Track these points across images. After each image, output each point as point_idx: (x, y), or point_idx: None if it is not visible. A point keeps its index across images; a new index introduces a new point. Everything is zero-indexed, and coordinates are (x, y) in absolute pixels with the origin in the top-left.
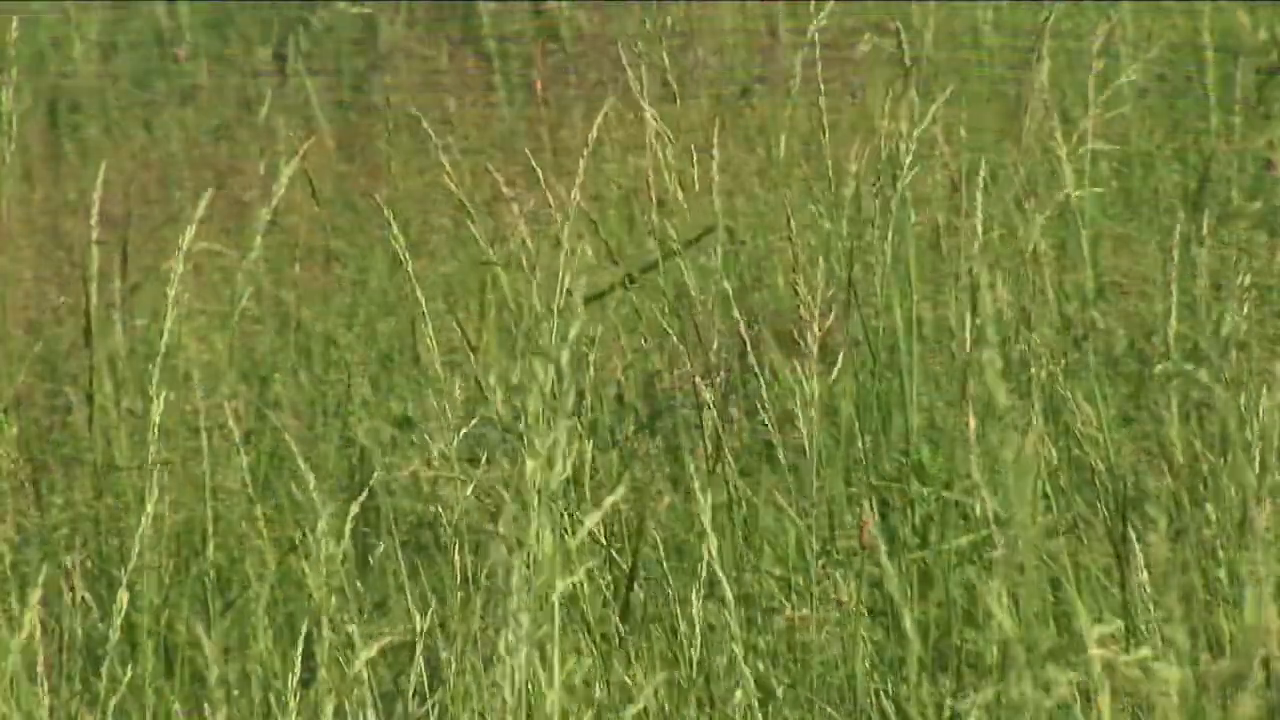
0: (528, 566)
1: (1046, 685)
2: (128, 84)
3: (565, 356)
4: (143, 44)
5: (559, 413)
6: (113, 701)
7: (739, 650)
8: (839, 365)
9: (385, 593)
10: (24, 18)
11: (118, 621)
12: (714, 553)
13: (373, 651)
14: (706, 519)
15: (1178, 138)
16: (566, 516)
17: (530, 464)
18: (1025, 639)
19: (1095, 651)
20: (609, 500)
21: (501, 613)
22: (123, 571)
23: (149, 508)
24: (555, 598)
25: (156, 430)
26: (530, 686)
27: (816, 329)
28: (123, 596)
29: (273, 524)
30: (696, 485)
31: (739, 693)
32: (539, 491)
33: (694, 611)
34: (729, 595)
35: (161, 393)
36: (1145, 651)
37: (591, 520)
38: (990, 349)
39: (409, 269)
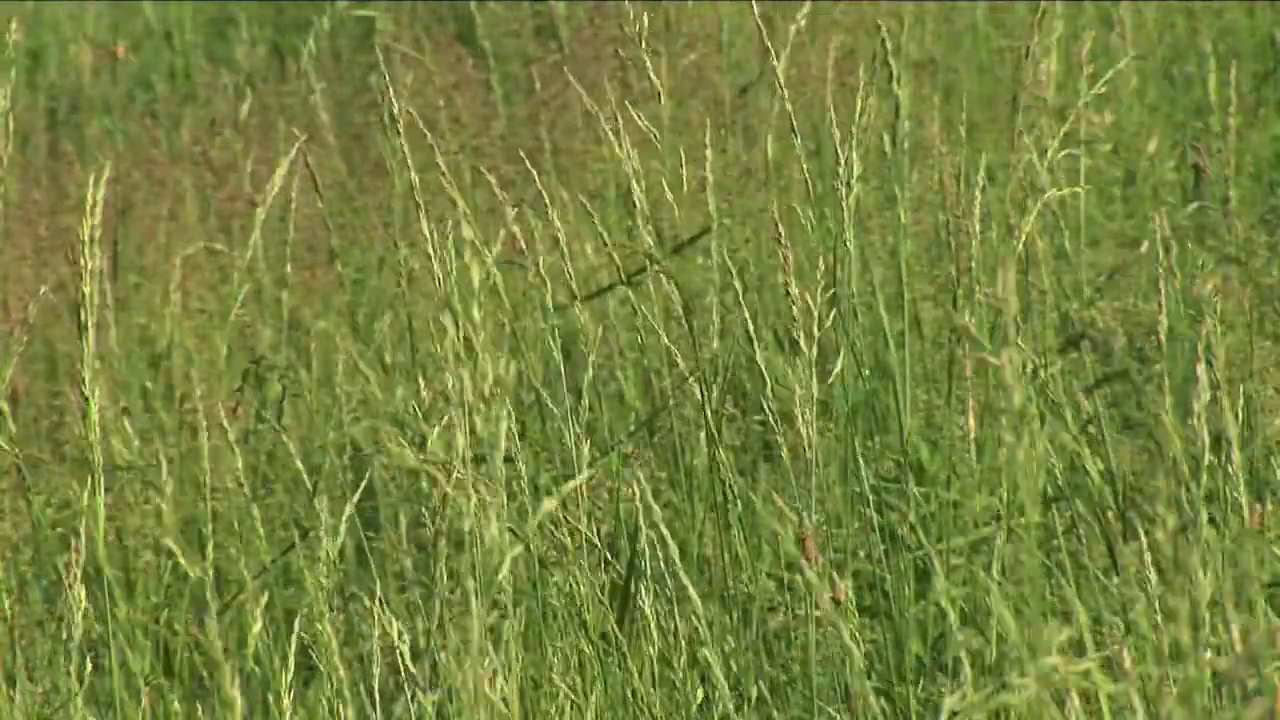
0: (481, 551)
1: (1010, 687)
2: (128, 83)
3: (476, 309)
4: (143, 44)
5: (482, 375)
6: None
7: (712, 655)
8: (837, 368)
9: (384, 591)
10: (24, 17)
11: (78, 616)
12: (676, 558)
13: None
14: (665, 526)
15: (1177, 138)
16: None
17: (460, 438)
18: (1023, 638)
19: (1053, 660)
20: (571, 484)
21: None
22: (125, 571)
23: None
24: (501, 578)
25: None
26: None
27: (815, 329)
28: (79, 593)
29: (271, 523)
30: (639, 490)
31: (699, 693)
32: (470, 460)
33: (660, 611)
34: (694, 596)
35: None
36: (1089, 664)
37: (550, 503)
38: (1010, 347)
39: (403, 271)
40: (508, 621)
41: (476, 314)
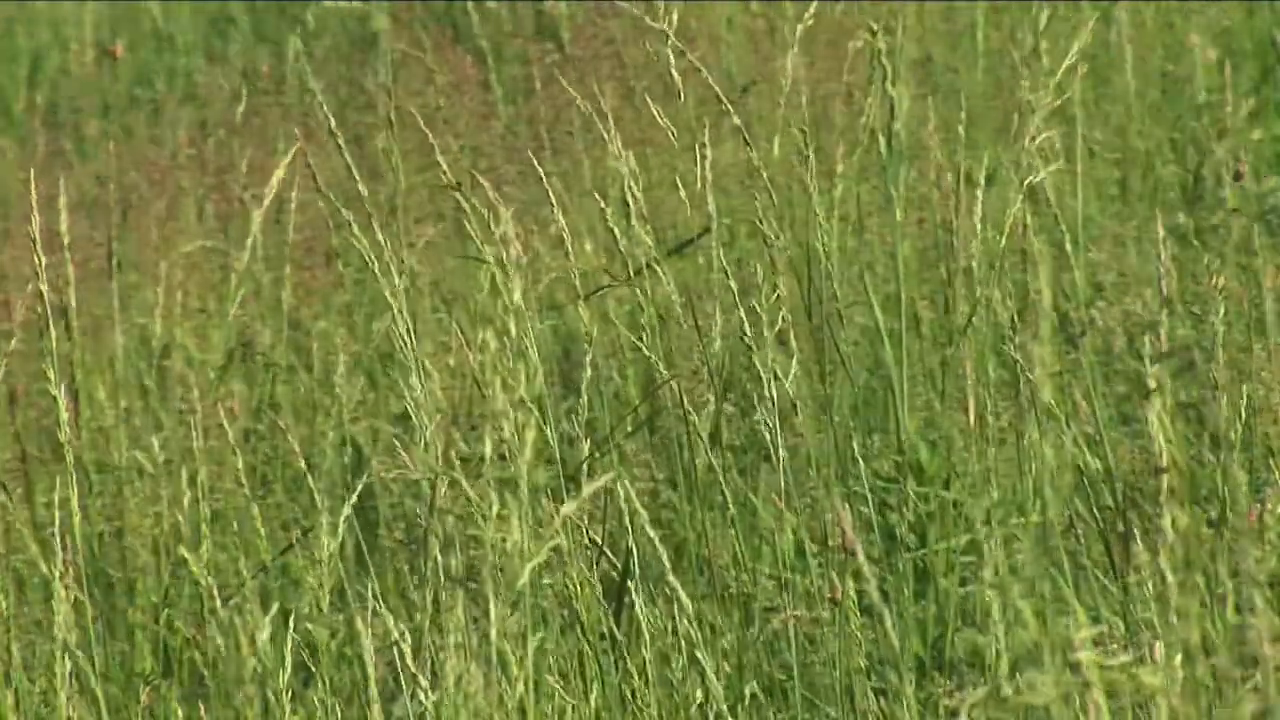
0: (501, 555)
1: (1032, 686)
2: (128, 83)
3: (513, 322)
4: (143, 44)
5: (515, 385)
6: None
7: (704, 655)
8: (792, 369)
9: (382, 591)
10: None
11: (59, 617)
12: (665, 559)
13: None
14: (663, 526)
15: (1175, 137)
16: (549, 505)
17: (488, 442)
18: (1022, 639)
19: (1083, 655)
20: (590, 487)
21: (458, 610)
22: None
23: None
24: (522, 583)
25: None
26: (505, 677)
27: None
28: (59, 590)
29: (270, 523)
30: (628, 487)
31: (699, 692)
32: (500, 461)
33: (657, 611)
34: (684, 598)
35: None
36: (1127, 657)
37: (569, 507)
38: (1042, 345)
39: (390, 268)
40: (516, 620)
41: (514, 327)
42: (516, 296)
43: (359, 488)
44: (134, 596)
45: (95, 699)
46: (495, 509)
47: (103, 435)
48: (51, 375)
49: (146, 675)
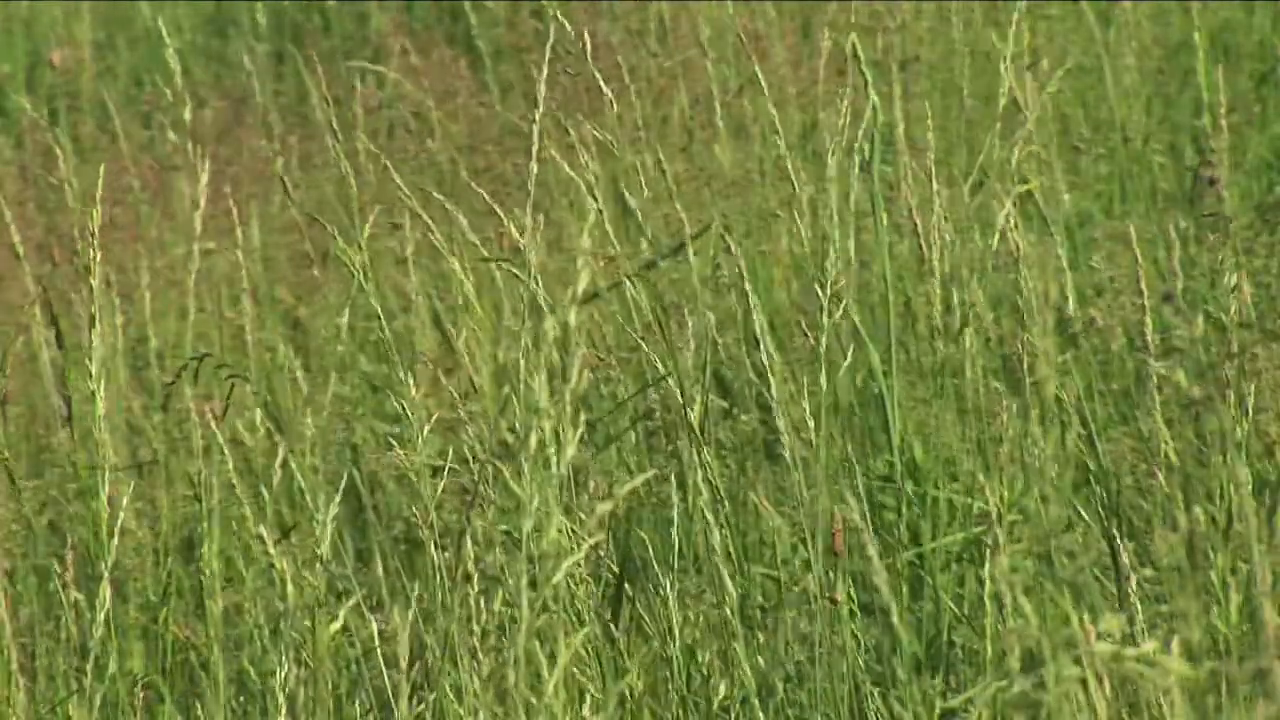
0: (528, 556)
1: (1046, 682)
2: (125, 84)
3: (573, 315)
4: (140, 43)
5: (563, 382)
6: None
7: (740, 649)
8: (814, 372)
9: (380, 590)
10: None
11: (101, 615)
12: (718, 548)
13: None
14: (708, 508)
15: (1174, 137)
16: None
17: (534, 438)
18: (1032, 632)
19: (1101, 646)
20: (626, 488)
21: (496, 605)
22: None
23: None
24: (557, 578)
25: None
26: (531, 676)
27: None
28: (104, 590)
29: (267, 524)
30: (650, 487)
31: (722, 687)
32: (535, 460)
33: (672, 607)
34: (730, 590)
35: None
36: (1150, 646)
37: (604, 508)
38: (1047, 338)
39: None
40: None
41: (573, 318)
42: (582, 285)
43: (342, 488)
44: (129, 596)
45: (93, 699)
46: (535, 504)
47: (97, 435)
48: (92, 370)
49: (142, 675)
